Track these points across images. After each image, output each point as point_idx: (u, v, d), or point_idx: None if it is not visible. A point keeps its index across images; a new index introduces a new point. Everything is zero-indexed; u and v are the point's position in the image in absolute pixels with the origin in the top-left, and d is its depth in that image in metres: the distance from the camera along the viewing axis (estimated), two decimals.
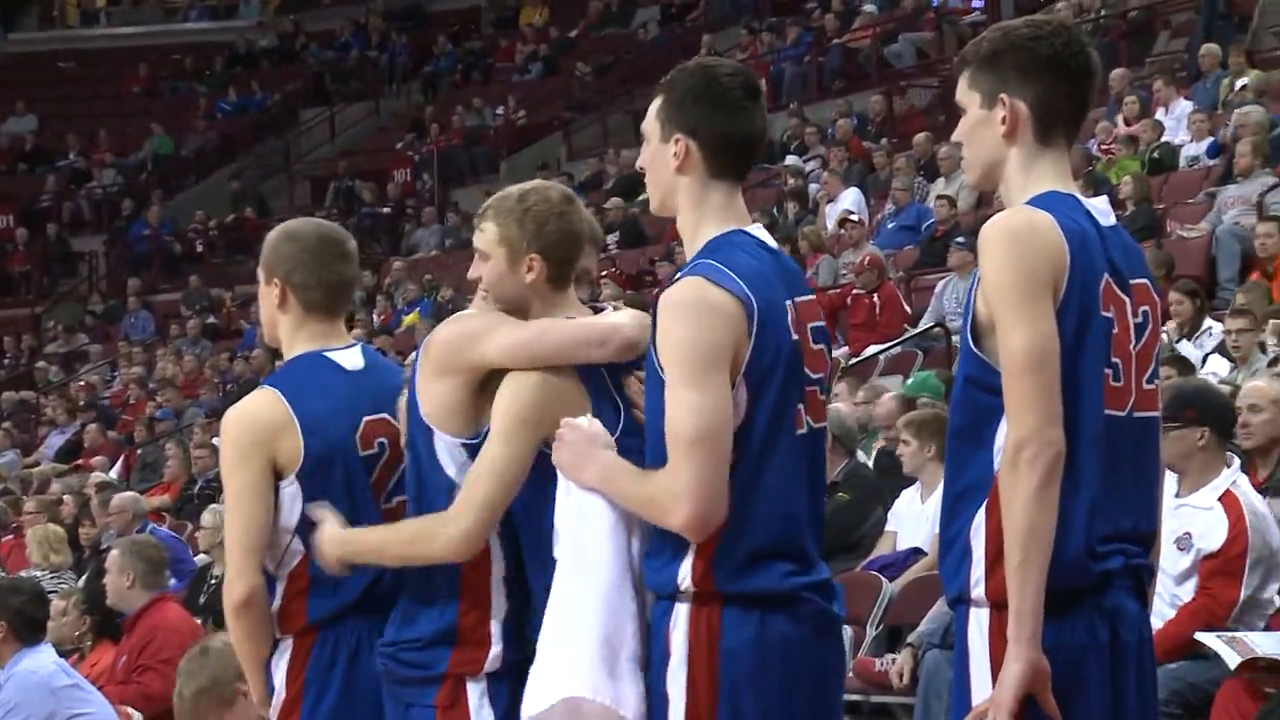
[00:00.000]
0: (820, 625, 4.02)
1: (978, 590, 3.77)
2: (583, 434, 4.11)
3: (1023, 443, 3.66)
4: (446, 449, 4.41)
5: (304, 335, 4.91)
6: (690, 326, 3.88)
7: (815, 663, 4.02)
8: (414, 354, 4.67)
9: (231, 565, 4.76)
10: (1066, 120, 3.92)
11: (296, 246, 4.91)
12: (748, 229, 4.08)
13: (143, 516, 14.17)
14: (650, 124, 4.14)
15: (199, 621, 10.25)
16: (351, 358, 4.89)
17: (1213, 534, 7.22)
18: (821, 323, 4.12)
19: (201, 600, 12.39)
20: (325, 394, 4.80)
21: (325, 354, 4.88)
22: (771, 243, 4.10)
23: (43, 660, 8.35)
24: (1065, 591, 3.71)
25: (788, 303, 4.00)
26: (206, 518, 12.67)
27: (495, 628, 4.43)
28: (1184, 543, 7.30)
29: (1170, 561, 7.28)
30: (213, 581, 12.26)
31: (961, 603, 3.82)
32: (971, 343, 3.81)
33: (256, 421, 4.74)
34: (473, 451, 4.36)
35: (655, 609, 4.02)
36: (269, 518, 4.72)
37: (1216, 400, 7.66)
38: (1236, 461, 7.53)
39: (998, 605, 3.72)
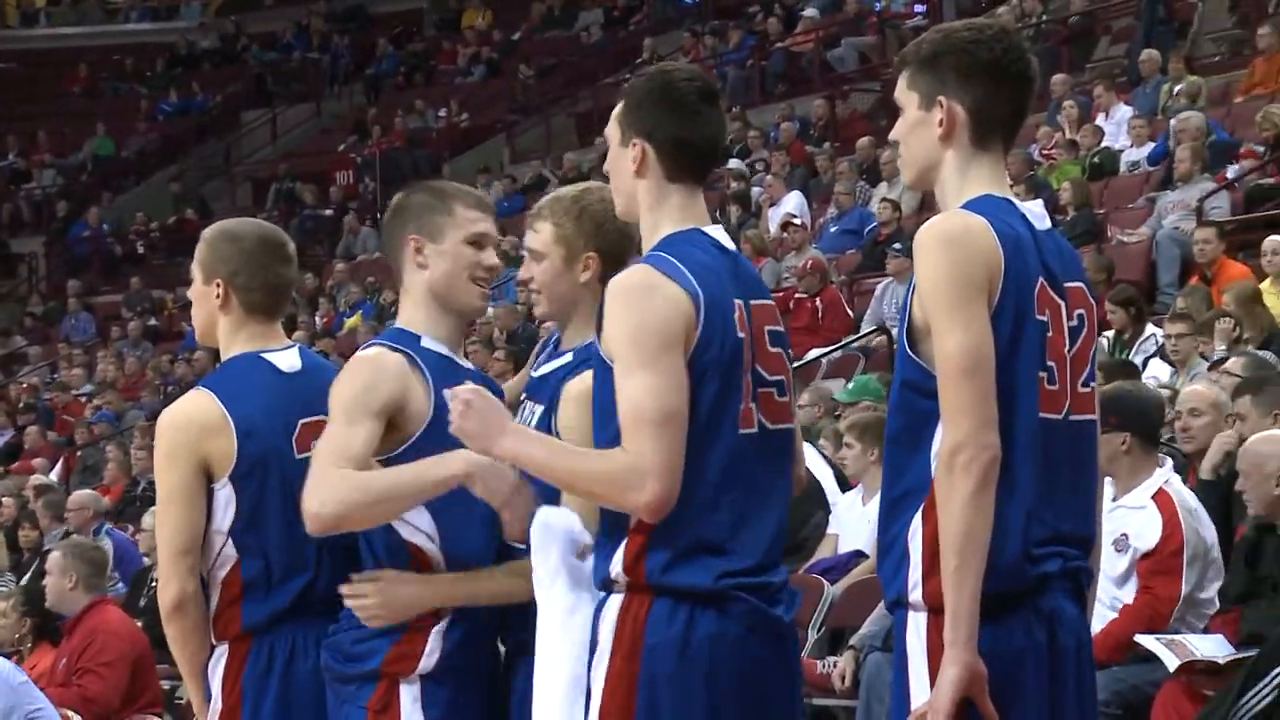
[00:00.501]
0: (755, 626, 3.98)
1: (915, 594, 3.77)
2: (492, 401, 4.06)
3: (958, 447, 3.68)
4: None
5: (243, 336, 4.88)
6: (639, 310, 3.89)
7: (750, 667, 3.98)
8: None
9: (162, 568, 4.73)
10: (1004, 125, 3.93)
11: (238, 247, 4.89)
12: (705, 229, 4.10)
13: (102, 515, 14.18)
14: (611, 129, 4.17)
15: (139, 624, 10.21)
16: (288, 359, 4.86)
17: (1148, 532, 7.30)
18: (779, 327, 4.13)
19: (141, 603, 12.37)
20: (260, 396, 4.78)
21: (262, 355, 4.85)
22: (729, 244, 4.12)
23: None
24: (1002, 595, 3.72)
25: (737, 301, 4.00)
26: (147, 520, 12.63)
27: (438, 629, 4.40)
28: (1121, 544, 7.36)
29: (1109, 564, 7.34)
30: (153, 584, 12.22)
31: (900, 606, 3.83)
32: (908, 347, 3.82)
33: (190, 423, 4.72)
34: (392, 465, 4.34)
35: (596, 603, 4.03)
36: (201, 520, 4.69)
37: (1139, 404, 7.71)
38: (1169, 462, 7.61)
39: (935, 609, 3.73)
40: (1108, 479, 7.35)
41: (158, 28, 40.37)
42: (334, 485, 4.20)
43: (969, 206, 3.84)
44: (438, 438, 4.26)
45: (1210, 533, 7.44)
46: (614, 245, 4.40)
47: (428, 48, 36.46)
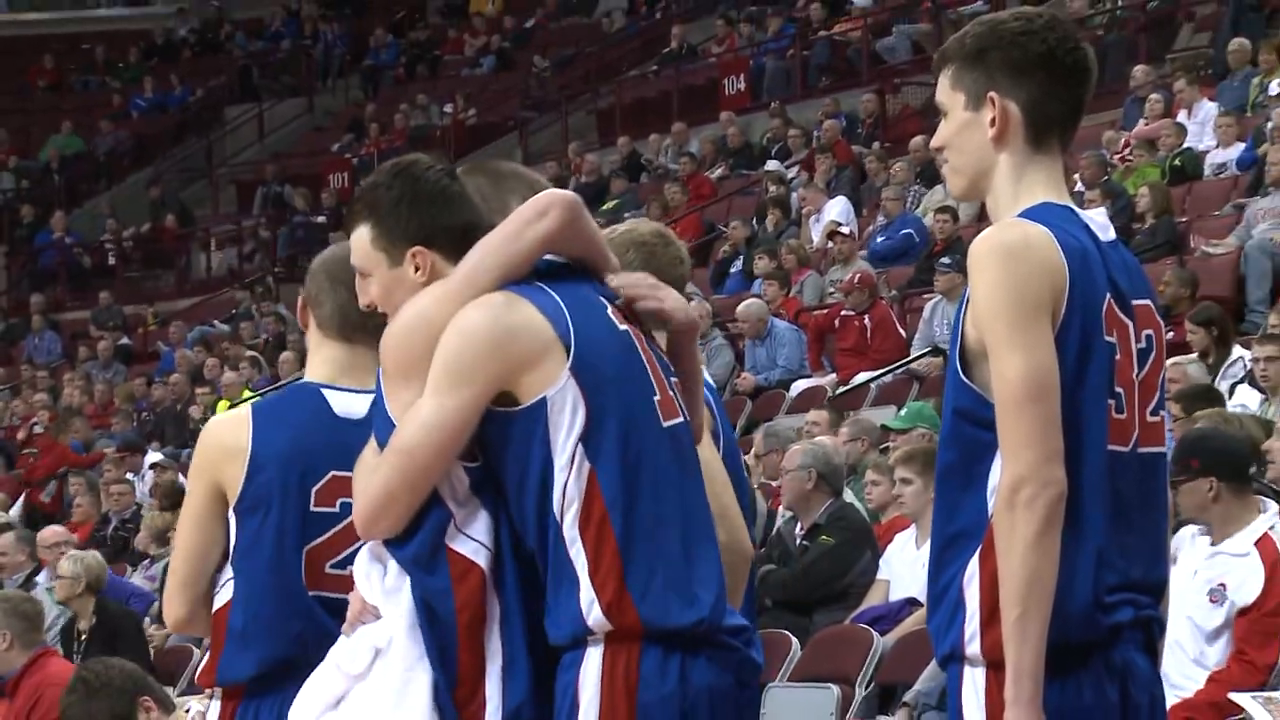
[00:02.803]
0: (745, 681, 4.01)
1: (972, 647, 3.77)
2: None
3: (1020, 482, 3.67)
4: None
5: (318, 360, 4.89)
6: (454, 340, 3.99)
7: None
8: None
9: (167, 593, 4.79)
10: (1060, 123, 3.94)
11: (320, 262, 4.94)
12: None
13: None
14: (370, 257, 4.21)
15: None
16: (351, 402, 4.77)
17: (1249, 583, 7.27)
18: None
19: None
20: (296, 431, 4.76)
21: (324, 389, 4.82)
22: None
23: None
24: (1070, 647, 3.71)
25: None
26: (65, 566, 12.78)
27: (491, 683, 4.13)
28: (1218, 595, 7.33)
29: (1202, 615, 7.32)
30: (82, 638, 12.42)
31: (954, 661, 3.82)
32: (961, 372, 3.82)
33: (213, 441, 4.79)
34: (475, 475, 4.13)
35: (561, 662, 3.99)
36: (211, 550, 4.72)
37: (1221, 445, 7.71)
38: (1273, 506, 7.55)
39: (995, 664, 3.72)
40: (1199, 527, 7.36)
41: (132, 14, 40.55)
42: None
43: (1028, 215, 3.85)
44: None
45: None
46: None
47: (431, 36, 36.56)
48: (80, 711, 6.48)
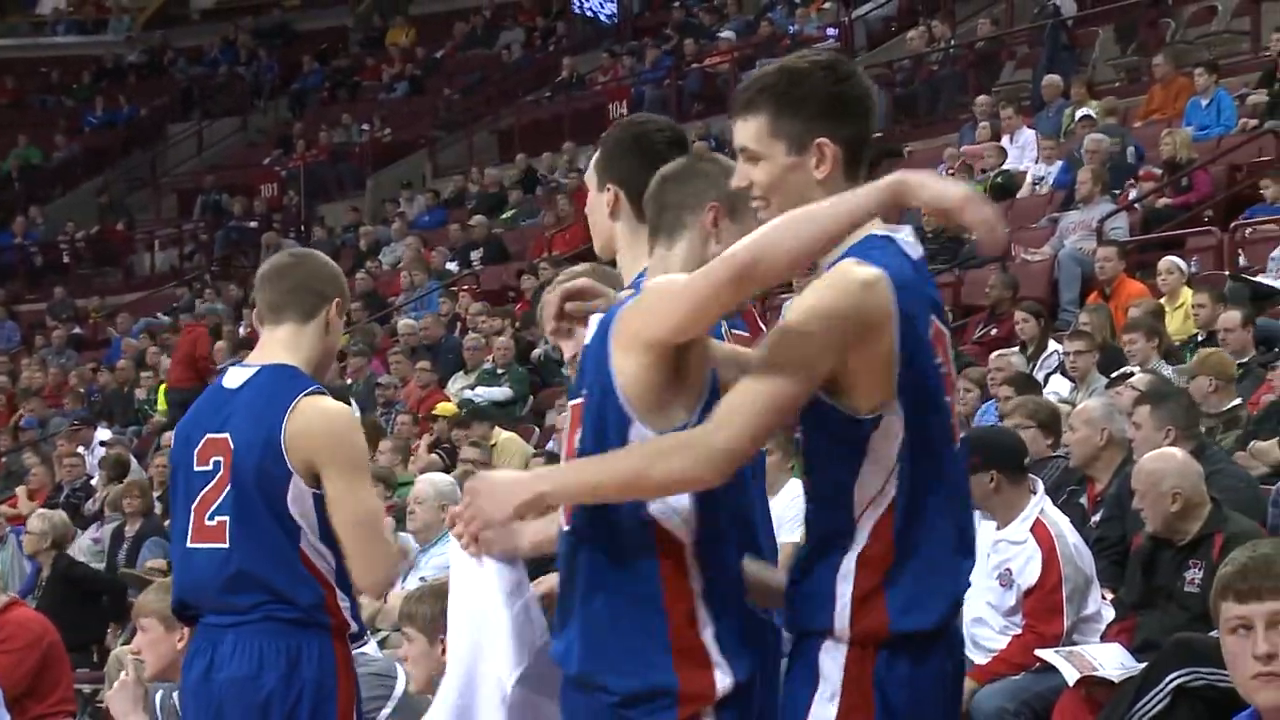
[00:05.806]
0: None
1: (841, 627, 3.61)
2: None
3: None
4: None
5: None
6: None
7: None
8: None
9: None
10: (864, 155, 3.72)
11: None
12: None
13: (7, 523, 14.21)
14: (589, 174, 4.23)
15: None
16: (236, 376, 4.94)
17: (1029, 569, 7.32)
18: None
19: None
20: (195, 408, 4.98)
21: (229, 367, 5.07)
22: None
23: None
24: (938, 630, 3.65)
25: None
26: (34, 523, 12.76)
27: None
28: (1005, 579, 7.38)
29: (996, 597, 7.37)
30: (42, 587, 12.51)
31: (815, 636, 3.65)
32: (822, 392, 3.60)
33: None
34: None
35: None
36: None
37: (999, 440, 7.78)
38: (1040, 486, 7.60)
39: (860, 643, 3.61)
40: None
41: (85, 41, 40.04)
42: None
43: (857, 252, 3.62)
44: None
45: (1088, 562, 7.46)
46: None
47: (352, 64, 36.32)
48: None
